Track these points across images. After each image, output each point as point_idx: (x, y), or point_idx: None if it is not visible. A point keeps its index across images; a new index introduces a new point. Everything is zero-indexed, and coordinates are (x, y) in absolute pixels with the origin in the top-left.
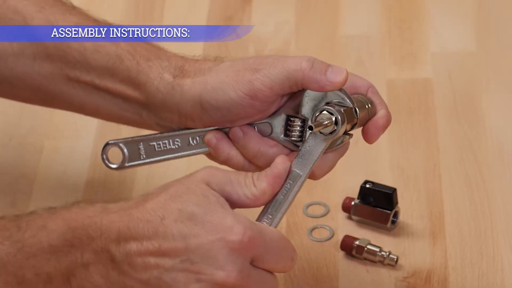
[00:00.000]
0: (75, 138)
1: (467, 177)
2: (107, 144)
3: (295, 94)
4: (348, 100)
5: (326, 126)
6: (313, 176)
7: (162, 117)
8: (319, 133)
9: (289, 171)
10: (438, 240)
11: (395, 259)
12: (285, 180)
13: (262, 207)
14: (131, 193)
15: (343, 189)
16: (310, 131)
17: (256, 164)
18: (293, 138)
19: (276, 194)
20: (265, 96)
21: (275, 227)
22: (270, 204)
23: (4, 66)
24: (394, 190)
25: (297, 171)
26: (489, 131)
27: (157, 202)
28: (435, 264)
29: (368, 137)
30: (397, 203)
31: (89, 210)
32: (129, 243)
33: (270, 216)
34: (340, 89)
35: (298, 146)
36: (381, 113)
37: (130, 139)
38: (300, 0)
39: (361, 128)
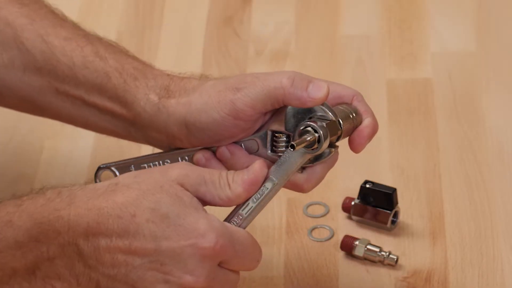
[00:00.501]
0: (75, 138)
1: (467, 177)
2: (99, 168)
3: (278, 110)
4: (330, 114)
5: (309, 142)
6: (301, 189)
7: (150, 136)
8: (303, 150)
9: (266, 177)
10: (438, 240)
11: (395, 259)
12: (260, 186)
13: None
14: None
15: (343, 189)
16: (292, 150)
17: None
18: (279, 154)
19: (247, 200)
20: (248, 115)
21: (244, 228)
22: (242, 206)
23: None
24: (394, 190)
25: (274, 178)
26: (489, 131)
27: (128, 197)
28: (435, 264)
29: (354, 147)
30: (397, 203)
31: (56, 202)
32: (98, 238)
33: (241, 217)
34: (324, 104)
35: None
36: (366, 122)
37: (121, 162)
38: (300, 0)
39: (347, 138)
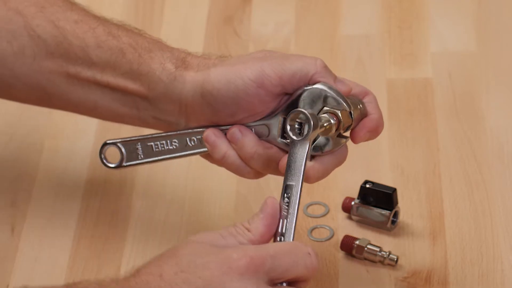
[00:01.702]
0: (75, 138)
1: (467, 177)
2: (105, 144)
3: (292, 97)
4: (345, 104)
5: (321, 129)
6: (307, 179)
7: (161, 109)
8: (293, 137)
9: (283, 185)
10: (438, 240)
11: (395, 259)
12: (282, 196)
13: None
14: (132, 193)
15: (343, 189)
16: (284, 123)
17: (251, 166)
18: (289, 141)
19: (280, 213)
20: (272, 84)
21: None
22: (278, 225)
23: (3, 66)
24: (394, 190)
25: (291, 183)
26: (489, 131)
27: (150, 266)
28: (435, 264)
29: (354, 137)
30: (397, 203)
31: None
32: None
33: (283, 237)
34: (338, 94)
35: None
36: (371, 116)
37: (128, 139)
38: (300, 0)
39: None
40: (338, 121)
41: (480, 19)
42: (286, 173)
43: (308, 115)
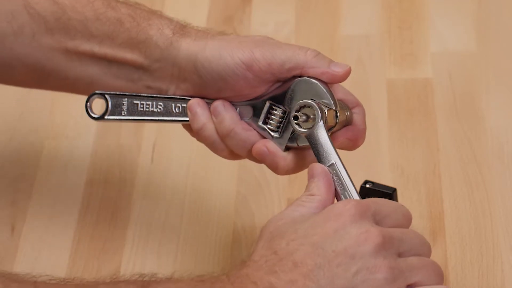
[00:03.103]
0: (75, 138)
1: (467, 177)
2: (94, 94)
3: (282, 85)
4: (332, 102)
5: (307, 120)
6: (275, 169)
7: (154, 76)
8: (297, 127)
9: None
10: (438, 240)
11: None
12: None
13: None
14: (131, 193)
15: None
16: (295, 120)
17: (226, 143)
18: (269, 127)
19: (337, 191)
20: (261, 70)
21: None
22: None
23: (3, 46)
24: (394, 190)
25: (330, 162)
26: (489, 131)
27: (255, 256)
28: None
29: (332, 140)
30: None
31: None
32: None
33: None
34: (329, 91)
35: (273, 136)
36: (355, 127)
37: (117, 92)
38: (300, 0)
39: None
40: (324, 117)
41: (480, 19)
42: (320, 160)
43: (313, 103)
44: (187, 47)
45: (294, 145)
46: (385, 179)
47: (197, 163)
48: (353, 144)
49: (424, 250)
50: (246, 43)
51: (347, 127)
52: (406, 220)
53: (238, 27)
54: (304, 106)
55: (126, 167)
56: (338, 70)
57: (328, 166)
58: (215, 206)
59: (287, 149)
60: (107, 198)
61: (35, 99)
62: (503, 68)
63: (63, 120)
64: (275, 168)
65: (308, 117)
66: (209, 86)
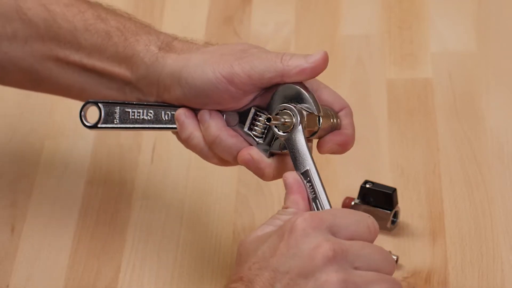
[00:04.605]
0: (75, 138)
1: (467, 177)
2: (87, 102)
3: (267, 91)
4: (315, 107)
5: (285, 122)
6: (261, 174)
7: (142, 91)
8: (277, 131)
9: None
10: (438, 240)
11: (395, 259)
12: (305, 186)
13: None
14: (131, 193)
15: (343, 189)
16: (268, 123)
17: (213, 151)
18: (254, 133)
19: (310, 202)
20: (242, 83)
21: None
22: (312, 208)
23: None
24: (394, 190)
25: (304, 168)
26: (489, 131)
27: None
28: (435, 264)
29: (319, 147)
30: (397, 203)
31: None
32: None
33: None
34: (312, 96)
35: (257, 142)
36: (343, 131)
37: (109, 101)
38: (300, 0)
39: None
40: (304, 121)
41: (480, 19)
42: (295, 165)
43: (291, 107)
44: (171, 62)
45: (278, 151)
46: (385, 179)
47: (197, 163)
48: (342, 148)
49: (385, 266)
50: (227, 56)
51: (335, 132)
52: (369, 233)
53: (238, 27)
54: (284, 109)
55: (126, 167)
56: (314, 59)
57: (303, 173)
58: (215, 206)
59: (272, 155)
60: (107, 198)
61: (35, 99)
62: (503, 68)
63: (63, 120)
64: (261, 175)
65: (286, 121)
66: (194, 100)
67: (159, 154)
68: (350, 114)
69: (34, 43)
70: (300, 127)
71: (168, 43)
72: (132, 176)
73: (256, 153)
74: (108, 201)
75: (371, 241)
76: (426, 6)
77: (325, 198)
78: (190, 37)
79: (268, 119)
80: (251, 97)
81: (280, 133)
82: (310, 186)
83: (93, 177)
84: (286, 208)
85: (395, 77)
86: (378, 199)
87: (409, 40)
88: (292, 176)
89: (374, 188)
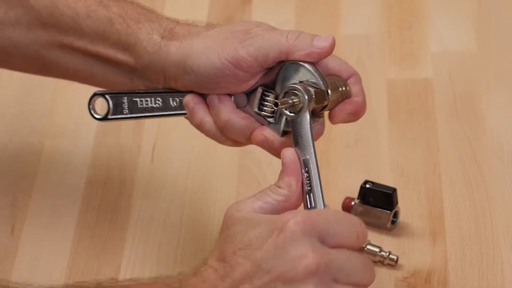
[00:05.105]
0: (75, 138)
1: (467, 177)
2: (94, 94)
3: (272, 68)
4: (321, 82)
5: (293, 103)
6: (277, 153)
7: (149, 79)
8: (288, 112)
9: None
10: (438, 240)
11: (395, 259)
12: (302, 173)
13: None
14: (131, 193)
15: (343, 189)
16: (276, 107)
17: (226, 135)
18: (264, 113)
19: (303, 189)
20: (249, 66)
21: None
22: (306, 201)
23: (2, 36)
24: (394, 190)
25: (304, 157)
26: (489, 131)
27: (212, 254)
28: (435, 264)
29: (331, 118)
30: (397, 203)
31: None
32: None
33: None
34: (318, 72)
35: (269, 122)
36: (353, 99)
37: (116, 92)
38: (300, 0)
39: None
40: (311, 100)
41: (480, 19)
42: (296, 149)
43: (298, 87)
44: (175, 51)
45: (290, 129)
46: (385, 179)
47: (197, 163)
48: (354, 117)
49: (365, 278)
50: (230, 39)
51: (345, 101)
52: (357, 242)
53: None
54: (291, 89)
55: (126, 167)
56: (322, 45)
57: (302, 160)
58: (215, 206)
59: (284, 133)
60: (107, 198)
61: (35, 99)
62: (503, 68)
63: (63, 120)
64: (276, 154)
65: (295, 101)
66: (202, 86)
67: (159, 154)
68: (359, 81)
69: (38, 30)
70: (306, 112)
71: (170, 30)
72: (132, 176)
73: (269, 133)
74: (108, 200)
75: (358, 248)
76: (426, 6)
77: (320, 195)
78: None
79: (276, 104)
80: (258, 77)
81: (290, 114)
82: (307, 177)
83: (93, 177)
84: (279, 187)
85: (395, 77)
86: (378, 199)
87: (409, 40)
88: (290, 154)
89: (374, 188)
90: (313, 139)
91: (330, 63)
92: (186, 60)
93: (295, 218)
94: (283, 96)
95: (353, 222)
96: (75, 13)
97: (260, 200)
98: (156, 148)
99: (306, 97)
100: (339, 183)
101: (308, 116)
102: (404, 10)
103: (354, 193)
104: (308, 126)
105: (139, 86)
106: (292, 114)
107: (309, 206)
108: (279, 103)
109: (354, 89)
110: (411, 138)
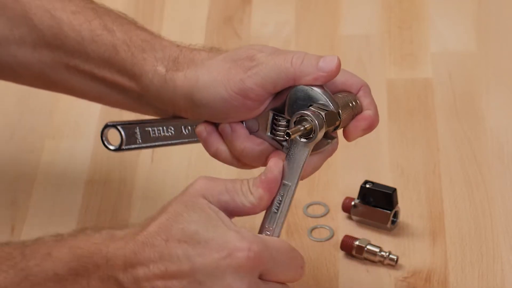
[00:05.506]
0: (75, 138)
1: (467, 177)
2: (106, 126)
3: (281, 94)
4: (331, 104)
5: (305, 130)
6: None
7: (158, 108)
8: (299, 139)
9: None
10: (438, 240)
11: (395, 259)
12: (277, 193)
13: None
14: (131, 193)
15: (343, 189)
16: (288, 138)
17: (242, 162)
18: (278, 138)
19: (270, 208)
20: (257, 95)
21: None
22: (266, 219)
23: (7, 53)
24: (394, 190)
25: (287, 182)
26: (489, 131)
27: (160, 224)
28: (435, 264)
29: (346, 136)
30: (397, 203)
31: (95, 237)
32: (136, 269)
33: (268, 232)
34: (324, 91)
35: (282, 146)
36: (365, 114)
37: (127, 122)
38: (300, 0)
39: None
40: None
41: (480, 19)
42: (284, 171)
43: (310, 114)
44: (181, 84)
45: None
46: (385, 179)
47: (197, 163)
48: (369, 131)
49: None
50: (235, 69)
51: (358, 118)
52: (295, 276)
53: (238, 27)
54: (300, 116)
55: (126, 167)
56: (328, 68)
57: (284, 183)
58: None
59: None
60: (107, 198)
61: (35, 99)
62: (503, 68)
63: (63, 120)
64: None
65: (306, 128)
66: (212, 117)
67: (159, 154)
68: (369, 92)
69: (43, 50)
70: (312, 142)
71: (175, 60)
72: (132, 176)
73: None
74: (108, 201)
75: (294, 281)
76: (426, 6)
77: (281, 224)
78: (190, 38)
79: (287, 134)
80: (267, 102)
81: (304, 140)
82: (279, 200)
83: (93, 177)
84: (251, 194)
85: (395, 77)
86: (378, 199)
87: (409, 40)
88: (277, 172)
89: (374, 188)
90: (302, 172)
91: (338, 78)
92: (193, 93)
93: (249, 253)
94: (294, 123)
95: (296, 259)
96: (80, 37)
97: (229, 194)
98: (156, 148)
99: (317, 122)
100: (339, 183)
101: (310, 148)
102: (404, 10)
103: (354, 193)
104: (305, 158)
105: (149, 110)
106: (305, 140)
107: (266, 226)
108: (290, 133)
109: (365, 102)
110: (411, 138)
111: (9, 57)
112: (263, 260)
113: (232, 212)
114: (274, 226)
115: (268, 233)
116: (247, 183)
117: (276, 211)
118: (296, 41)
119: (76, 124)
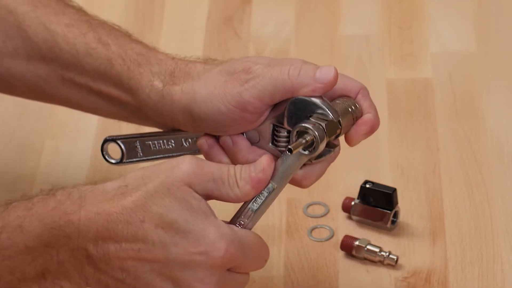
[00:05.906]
0: (75, 138)
1: (467, 177)
2: (106, 140)
3: (280, 105)
4: (330, 113)
5: (307, 143)
6: (299, 185)
7: (156, 121)
8: (302, 151)
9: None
10: (438, 240)
11: (395, 259)
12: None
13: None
14: None
15: (343, 189)
16: (290, 153)
17: None
18: (280, 148)
19: (248, 203)
20: (255, 107)
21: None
22: (242, 211)
23: (0, 65)
24: (394, 190)
25: (273, 183)
26: (489, 131)
27: (136, 201)
28: (435, 264)
29: (348, 141)
30: (397, 203)
31: (66, 205)
32: (108, 244)
33: (242, 223)
34: (323, 101)
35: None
36: (366, 117)
37: (127, 136)
38: (300, 0)
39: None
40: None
41: (480, 19)
42: (273, 172)
43: (310, 127)
44: (179, 99)
45: (308, 162)
46: (385, 179)
47: None
48: (371, 133)
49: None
50: (231, 82)
51: (358, 122)
52: (260, 267)
53: (238, 27)
54: (300, 130)
55: (126, 167)
56: (325, 79)
57: (271, 184)
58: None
59: (303, 165)
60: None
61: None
62: (503, 68)
63: (63, 120)
64: (298, 186)
65: (307, 140)
66: (212, 130)
67: None
68: (367, 94)
69: (37, 62)
70: (312, 156)
71: (171, 74)
72: None
73: None
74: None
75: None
76: (426, 6)
77: (256, 221)
78: (190, 38)
79: (289, 150)
80: (266, 113)
81: (307, 152)
82: (260, 198)
83: (93, 177)
84: (238, 187)
85: (395, 77)
86: (378, 199)
87: (409, 40)
88: (267, 173)
89: (374, 188)
90: (291, 177)
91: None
92: (191, 107)
93: (225, 254)
94: (295, 136)
95: (263, 253)
96: (75, 50)
97: (215, 184)
98: None
99: (318, 134)
100: (339, 183)
101: (304, 161)
102: (404, 10)
103: (354, 193)
104: (298, 167)
105: (147, 122)
106: (307, 152)
107: (241, 218)
108: (292, 149)
109: (364, 105)
110: (411, 138)
111: (2, 69)
112: (237, 259)
113: (214, 198)
114: (248, 221)
115: (240, 226)
116: (234, 175)
117: (254, 208)
118: (296, 41)
119: (76, 124)
